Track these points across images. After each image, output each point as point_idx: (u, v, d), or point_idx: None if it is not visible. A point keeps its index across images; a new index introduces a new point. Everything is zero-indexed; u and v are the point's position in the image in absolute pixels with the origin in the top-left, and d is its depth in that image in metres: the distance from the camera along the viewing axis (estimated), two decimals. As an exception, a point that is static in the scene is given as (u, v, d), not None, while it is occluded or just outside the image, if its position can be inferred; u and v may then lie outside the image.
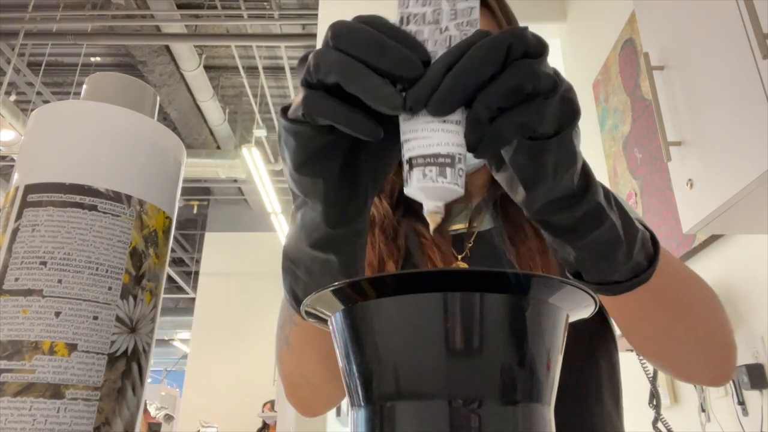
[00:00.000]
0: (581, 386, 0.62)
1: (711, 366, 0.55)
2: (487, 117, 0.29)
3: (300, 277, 0.41)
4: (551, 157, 0.32)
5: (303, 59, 0.32)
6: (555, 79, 0.31)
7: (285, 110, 0.34)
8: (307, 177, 0.34)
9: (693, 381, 0.57)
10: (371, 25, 0.30)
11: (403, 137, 0.31)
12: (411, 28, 0.32)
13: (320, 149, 0.33)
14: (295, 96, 0.33)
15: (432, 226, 0.32)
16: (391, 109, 0.29)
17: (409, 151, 0.30)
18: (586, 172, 0.36)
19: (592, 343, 0.64)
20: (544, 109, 0.30)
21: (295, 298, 0.43)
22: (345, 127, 0.30)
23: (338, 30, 0.30)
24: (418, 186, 0.30)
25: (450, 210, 0.71)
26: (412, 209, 0.70)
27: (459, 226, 0.70)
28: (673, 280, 0.48)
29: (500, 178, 0.36)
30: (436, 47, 0.31)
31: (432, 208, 0.31)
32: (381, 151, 0.36)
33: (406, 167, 0.31)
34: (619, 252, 0.39)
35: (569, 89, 0.33)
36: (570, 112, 0.33)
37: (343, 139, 0.33)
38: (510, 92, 0.29)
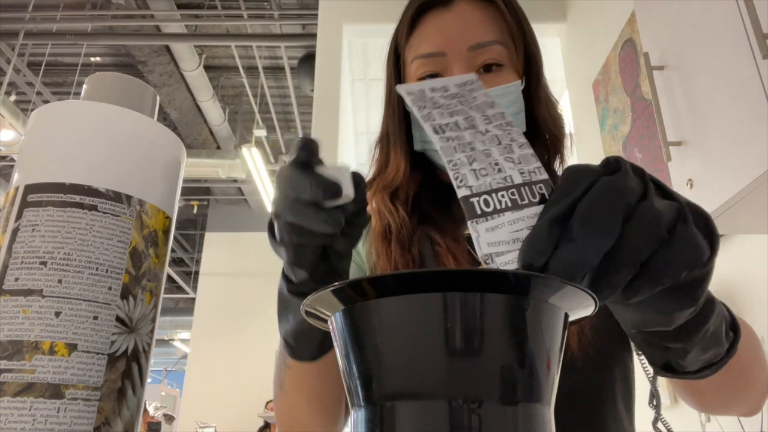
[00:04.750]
0: (595, 392, 0.62)
1: (749, 405, 0.55)
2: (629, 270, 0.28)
3: (290, 320, 0.47)
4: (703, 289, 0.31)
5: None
6: (678, 206, 0.29)
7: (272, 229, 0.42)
8: (296, 267, 0.41)
9: (727, 415, 0.57)
10: (303, 163, 0.38)
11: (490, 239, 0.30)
12: (449, 134, 0.34)
13: (302, 253, 0.41)
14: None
15: None
16: (323, 230, 0.37)
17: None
18: None
19: (608, 351, 0.63)
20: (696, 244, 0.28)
21: (286, 341, 0.49)
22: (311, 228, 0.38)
23: (278, 178, 0.39)
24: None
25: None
26: (427, 217, 0.69)
27: None
28: (742, 346, 0.46)
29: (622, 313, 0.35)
30: (486, 145, 0.33)
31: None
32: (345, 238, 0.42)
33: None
34: (725, 335, 0.39)
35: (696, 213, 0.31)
36: (709, 233, 0.30)
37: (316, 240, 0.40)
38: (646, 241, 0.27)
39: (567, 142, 0.71)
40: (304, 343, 0.49)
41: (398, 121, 0.69)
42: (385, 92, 0.73)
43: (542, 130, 0.69)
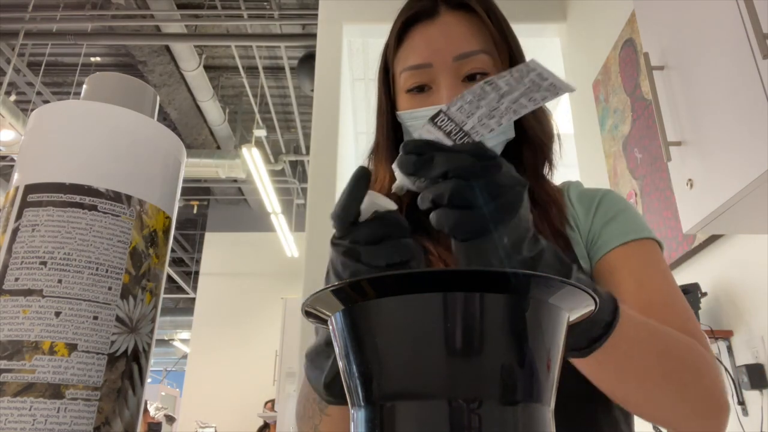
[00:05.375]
0: (589, 392, 0.62)
1: (701, 425, 0.55)
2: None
3: (330, 365, 0.52)
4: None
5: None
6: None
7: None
8: None
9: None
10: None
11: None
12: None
13: None
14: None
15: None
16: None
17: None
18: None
19: None
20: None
21: (333, 394, 0.53)
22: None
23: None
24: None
25: None
26: (420, 226, 0.70)
27: None
28: (648, 340, 0.50)
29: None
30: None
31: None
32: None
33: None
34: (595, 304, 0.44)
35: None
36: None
37: None
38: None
39: (555, 147, 0.73)
40: None
41: (386, 133, 0.71)
42: (377, 104, 0.74)
43: (530, 136, 0.70)
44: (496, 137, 0.66)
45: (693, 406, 0.54)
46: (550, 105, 0.75)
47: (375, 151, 0.75)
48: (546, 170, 0.73)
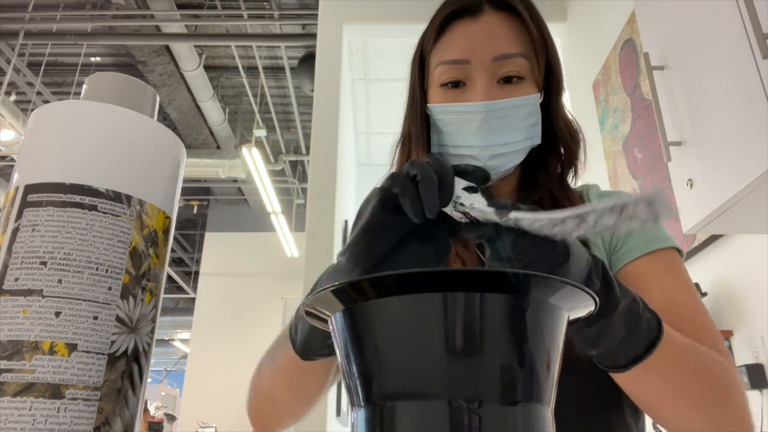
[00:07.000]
0: (600, 395, 0.62)
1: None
2: None
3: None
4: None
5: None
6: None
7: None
8: (365, 244, 0.42)
9: None
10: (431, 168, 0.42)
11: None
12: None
13: (384, 229, 0.43)
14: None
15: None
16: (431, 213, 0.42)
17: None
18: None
19: None
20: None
21: (307, 339, 0.55)
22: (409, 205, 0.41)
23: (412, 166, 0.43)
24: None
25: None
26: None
27: None
28: (672, 362, 0.51)
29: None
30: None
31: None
32: (424, 245, 0.45)
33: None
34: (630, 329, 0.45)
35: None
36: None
37: (400, 229, 0.43)
38: None
39: (581, 156, 0.72)
40: (327, 348, 0.54)
41: (420, 124, 0.70)
42: (409, 94, 0.73)
43: (558, 143, 0.69)
44: (522, 142, 0.65)
45: (720, 427, 0.54)
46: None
47: (404, 143, 0.73)
48: (570, 177, 0.73)
